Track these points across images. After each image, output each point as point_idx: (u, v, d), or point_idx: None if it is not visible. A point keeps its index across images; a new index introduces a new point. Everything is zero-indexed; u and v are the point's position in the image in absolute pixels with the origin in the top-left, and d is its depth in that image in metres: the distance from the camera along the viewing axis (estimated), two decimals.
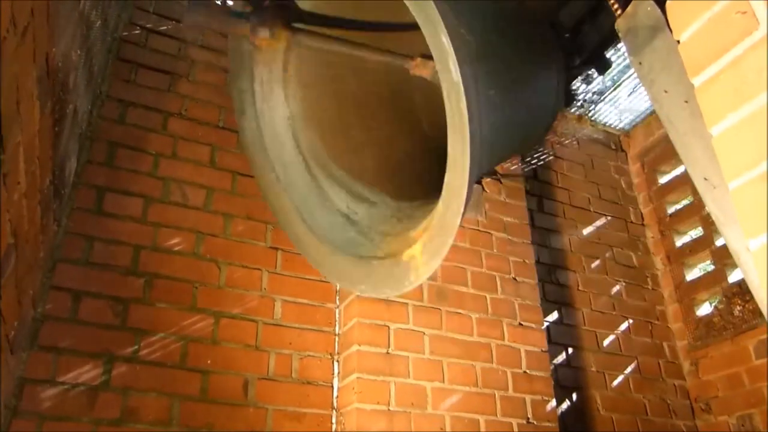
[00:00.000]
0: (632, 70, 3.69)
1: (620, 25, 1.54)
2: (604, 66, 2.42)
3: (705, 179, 1.27)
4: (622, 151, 4.37)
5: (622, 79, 3.83)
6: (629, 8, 1.48)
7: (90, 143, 2.56)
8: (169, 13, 3.06)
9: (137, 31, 2.92)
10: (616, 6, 1.69)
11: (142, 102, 2.77)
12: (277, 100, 2.26)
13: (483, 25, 1.91)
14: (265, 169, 2.27)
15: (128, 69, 2.81)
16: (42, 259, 2.06)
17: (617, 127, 4.38)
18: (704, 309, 3.66)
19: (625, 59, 3.65)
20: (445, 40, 1.38)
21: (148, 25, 2.97)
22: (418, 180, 2.11)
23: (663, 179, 4.10)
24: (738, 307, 3.38)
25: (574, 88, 2.59)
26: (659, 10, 1.37)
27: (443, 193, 1.54)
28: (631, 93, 3.96)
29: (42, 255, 2.04)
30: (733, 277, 3.48)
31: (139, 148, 2.66)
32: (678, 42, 1.28)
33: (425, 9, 1.44)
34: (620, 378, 3.36)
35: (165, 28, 3.01)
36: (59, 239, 2.32)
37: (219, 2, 2.99)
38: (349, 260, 1.98)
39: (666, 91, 1.39)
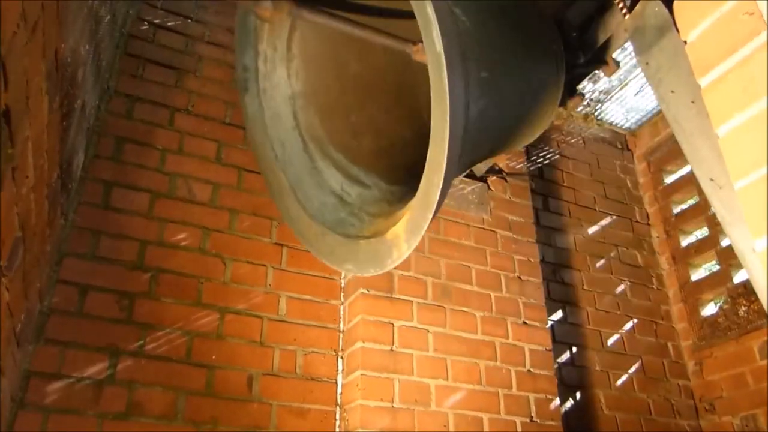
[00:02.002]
0: (639, 70, 3.68)
1: (628, 24, 1.54)
2: (610, 66, 2.40)
3: (711, 179, 1.27)
4: (628, 150, 4.36)
5: (629, 78, 3.82)
6: (637, 8, 1.48)
7: (97, 138, 2.57)
8: (177, 8, 3.07)
9: (145, 27, 2.93)
10: (623, 6, 1.69)
11: (150, 97, 2.78)
12: (280, 78, 2.27)
13: (479, 9, 1.90)
14: (264, 146, 2.27)
15: (136, 64, 2.82)
16: (49, 253, 2.08)
17: (623, 127, 4.37)
18: (709, 309, 3.65)
19: (632, 58, 3.64)
20: (430, 10, 1.39)
21: (155, 21, 2.98)
22: (414, 167, 2.12)
23: (669, 179, 4.09)
24: (743, 308, 3.38)
25: (580, 87, 2.57)
26: (666, 11, 1.37)
27: (425, 169, 1.53)
28: (637, 92, 3.95)
29: (49, 249, 2.05)
30: (739, 277, 3.48)
31: (145, 143, 2.67)
32: (685, 42, 1.28)
33: None
34: (624, 377, 3.36)
35: (172, 23, 3.02)
36: (66, 233, 2.33)
37: None
38: (338, 239, 1.98)
39: (673, 91, 1.38)
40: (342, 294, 2.77)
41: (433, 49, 1.41)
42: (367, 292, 2.60)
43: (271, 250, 2.72)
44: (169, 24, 3.01)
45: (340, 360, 2.63)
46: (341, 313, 2.73)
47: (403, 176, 2.16)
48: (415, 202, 1.61)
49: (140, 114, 2.72)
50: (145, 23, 2.94)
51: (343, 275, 2.81)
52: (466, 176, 3.15)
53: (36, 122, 1.41)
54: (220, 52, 3.07)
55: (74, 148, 2.16)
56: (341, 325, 2.70)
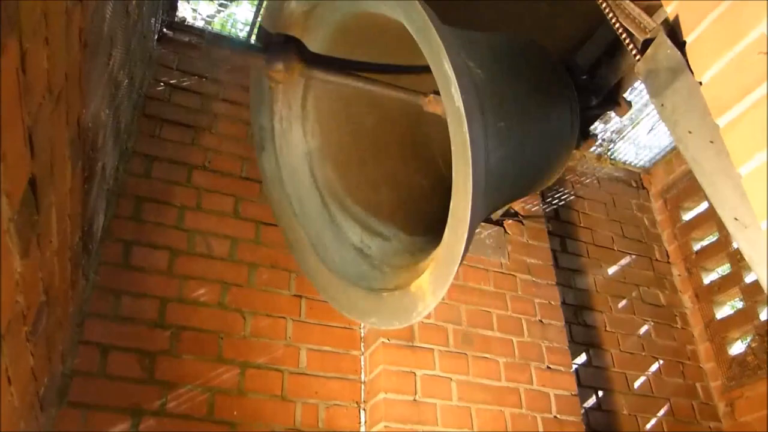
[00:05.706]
0: (650, 108, 3.70)
1: (640, 68, 1.55)
2: (622, 107, 2.43)
3: (735, 219, 1.25)
4: (644, 188, 4.34)
5: (641, 117, 3.84)
6: (648, 51, 1.49)
7: (117, 198, 2.60)
8: (192, 68, 3.14)
9: (161, 88, 3.00)
10: (633, 49, 1.71)
11: (167, 156, 2.82)
12: (296, 136, 2.31)
13: (492, 60, 1.95)
14: (282, 203, 2.31)
15: (153, 124, 2.88)
16: (71, 315, 2.08)
17: (637, 165, 4.37)
18: (737, 348, 3.57)
19: (642, 97, 3.67)
20: (448, 66, 1.41)
21: (171, 81, 3.05)
22: (433, 216, 2.13)
23: (687, 216, 4.05)
24: None
25: (592, 128, 2.59)
26: (679, 53, 1.38)
27: (449, 220, 1.54)
28: (650, 131, 3.96)
29: (71, 310, 2.06)
30: (766, 314, 3.40)
31: (164, 201, 2.70)
32: (700, 83, 1.28)
33: (430, 40, 1.48)
34: (653, 421, 3.27)
35: (187, 83, 3.09)
36: (88, 294, 2.34)
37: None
38: (361, 293, 1.99)
39: (690, 132, 1.38)
40: (362, 344, 2.74)
41: (452, 104, 1.43)
42: (387, 341, 2.57)
43: (290, 302, 2.71)
44: (185, 84, 3.08)
45: (362, 412, 2.58)
46: (362, 363, 2.70)
47: (423, 227, 2.16)
48: (439, 254, 1.60)
49: (158, 173, 2.76)
50: (162, 84, 3.01)
51: (362, 325, 2.78)
52: (482, 221, 3.14)
53: (59, 188, 1.43)
54: (234, 109, 3.13)
55: (95, 210, 2.19)
56: (363, 376, 2.66)
